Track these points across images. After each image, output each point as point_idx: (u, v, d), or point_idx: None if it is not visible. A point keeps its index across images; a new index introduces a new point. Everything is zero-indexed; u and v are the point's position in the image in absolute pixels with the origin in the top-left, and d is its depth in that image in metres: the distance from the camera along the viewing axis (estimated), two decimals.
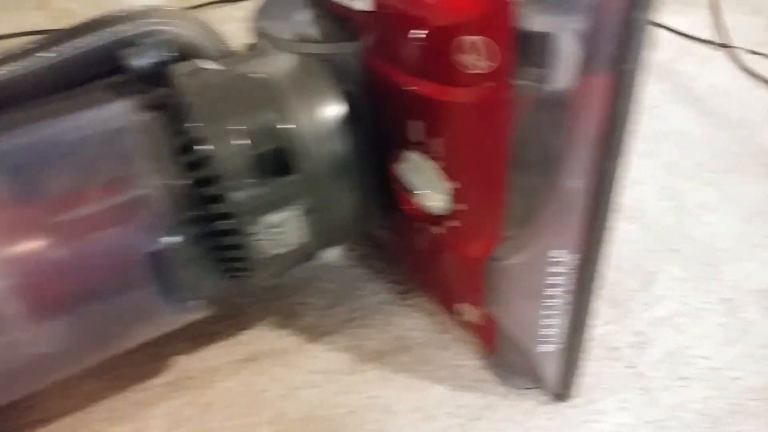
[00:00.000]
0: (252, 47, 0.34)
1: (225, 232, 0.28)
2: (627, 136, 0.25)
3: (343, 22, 0.30)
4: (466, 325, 0.34)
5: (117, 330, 0.28)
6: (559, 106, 0.25)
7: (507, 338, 0.31)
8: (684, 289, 0.40)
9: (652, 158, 0.50)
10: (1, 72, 0.33)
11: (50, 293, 0.26)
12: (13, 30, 0.63)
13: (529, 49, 0.24)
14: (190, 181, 0.27)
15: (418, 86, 0.27)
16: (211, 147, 0.27)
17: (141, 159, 0.27)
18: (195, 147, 0.27)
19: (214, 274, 0.29)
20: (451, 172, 0.28)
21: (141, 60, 0.32)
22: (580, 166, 0.25)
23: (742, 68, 0.61)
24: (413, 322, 0.38)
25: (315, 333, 0.37)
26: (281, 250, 0.30)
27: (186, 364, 0.35)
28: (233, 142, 0.27)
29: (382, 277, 0.41)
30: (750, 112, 0.55)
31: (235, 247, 0.28)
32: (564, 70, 0.25)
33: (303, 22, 0.32)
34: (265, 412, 0.33)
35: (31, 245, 0.26)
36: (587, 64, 0.24)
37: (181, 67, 0.30)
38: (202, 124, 0.27)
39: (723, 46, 0.63)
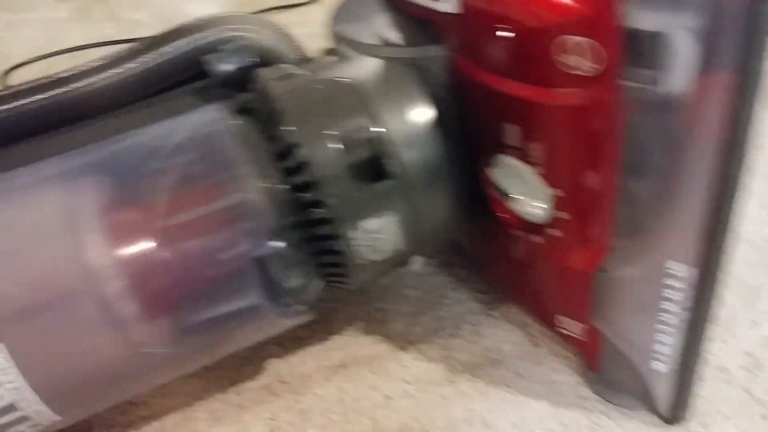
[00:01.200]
0: (330, 51, 0.34)
1: (324, 237, 0.28)
2: (751, 140, 0.23)
3: (424, 25, 0.30)
4: (566, 340, 0.33)
5: (223, 333, 0.29)
6: (673, 108, 0.24)
7: (612, 355, 0.30)
8: None
9: None
10: (92, 81, 0.35)
11: (161, 295, 0.27)
12: (85, 41, 0.67)
13: (639, 50, 0.23)
14: (288, 187, 0.28)
15: (513, 88, 0.26)
16: (308, 152, 0.27)
17: (241, 163, 0.28)
18: (292, 152, 0.28)
19: (313, 280, 0.29)
20: (552, 178, 0.27)
21: (224, 65, 0.33)
22: (699, 173, 0.24)
23: None
24: (503, 334, 0.37)
25: (403, 341, 0.37)
26: (378, 257, 0.30)
27: (278, 368, 0.36)
28: (328, 147, 0.28)
29: (465, 286, 0.40)
30: None
31: (334, 252, 0.29)
32: (678, 70, 0.23)
33: (382, 25, 0.32)
34: (362, 421, 0.33)
35: (143, 247, 0.27)
36: (705, 64, 0.23)
37: (269, 72, 0.30)
38: (296, 129, 0.28)
39: None
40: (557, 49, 0.24)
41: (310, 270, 0.29)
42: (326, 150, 0.27)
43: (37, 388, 0.26)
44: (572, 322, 0.31)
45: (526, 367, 0.35)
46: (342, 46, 0.32)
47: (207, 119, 0.29)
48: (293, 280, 0.28)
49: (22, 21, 0.77)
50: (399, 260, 0.31)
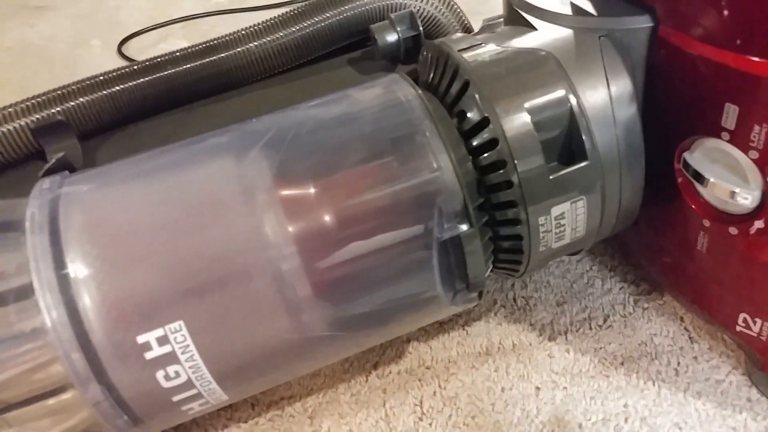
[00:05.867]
0: (509, 20, 0.32)
1: (508, 222, 0.26)
2: None
3: None
4: (742, 338, 0.30)
5: (392, 317, 0.28)
6: None
7: None
8: None
9: None
10: (247, 47, 0.33)
11: (336, 276, 0.26)
12: (194, 11, 0.66)
13: None
14: (474, 166, 0.26)
15: (738, 62, 0.24)
16: (498, 128, 0.25)
17: (432, 139, 0.26)
18: (482, 128, 0.26)
19: (488, 266, 0.28)
20: None
21: (390, 35, 0.31)
22: None
23: None
24: (656, 327, 0.35)
25: (548, 330, 0.35)
26: (558, 244, 0.28)
27: (421, 353, 0.35)
28: (521, 122, 0.25)
29: (613, 276, 0.38)
30: None
31: (515, 237, 0.27)
32: None
33: None
34: (512, 411, 0.32)
35: (321, 226, 0.25)
36: None
37: (452, 42, 0.28)
38: (486, 104, 0.26)
39: None
40: None
41: (487, 256, 0.27)
42: (519, 126, 0.25)
43: (210, 366, 0.25)
44: (757, 320, 0.29)
45: (684, 364, 0.33)
46: (524, 13, 0.29)
47: (390, 91, 0.27)
48: (474, 265, 0.26)
49: None
50: (573, 248, 0.29)
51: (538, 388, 0.33)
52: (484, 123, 0.26)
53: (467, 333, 0.35)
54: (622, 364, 0.34)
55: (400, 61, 0.31)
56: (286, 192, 0.26)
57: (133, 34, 0.63)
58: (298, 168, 0.26)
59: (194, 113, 0.32)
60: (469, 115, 0.26)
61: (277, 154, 0.26)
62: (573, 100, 0.26)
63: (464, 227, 0.25)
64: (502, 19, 0.32)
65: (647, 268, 0.36)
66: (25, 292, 0.23)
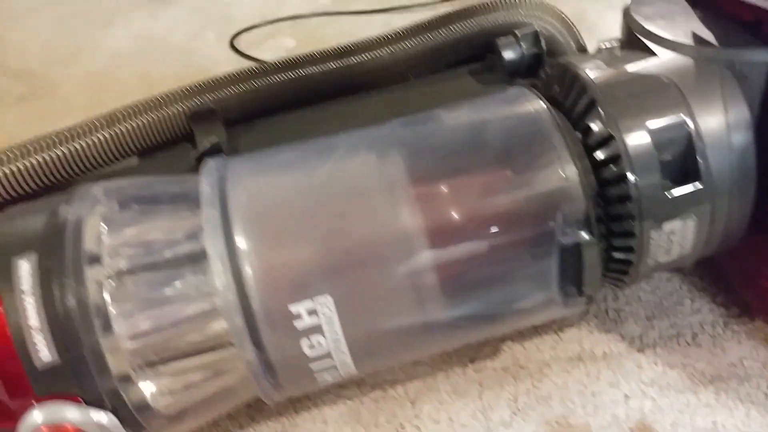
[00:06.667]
0: (626, 44, 0.34)
1: (622, 234, 0.29)
2: None
3: (748, 26, 0.29)
4: None
5: (508, 314, 0.30)
6: None
7: None
8: None
9: None
10: (378, 53, 0.36)
11: (462, 271, 0.28)
12: (300, 9, 0.70)
13: None
14: (595, 179, 0.28)
15: None
16: (621, 145, 0.28)
17: (560, 148, 0.28)
18: (606, 143, 0.28)
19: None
20: None
21: (514, 51, 0.34)
22: None
23: None
24: (746, 350, 0.36)
25: (639, 343, 0.37)
26: (665, 258, 0.30)
27: (516, 353, 0.37)
28: (642, 141, 0.28)
29: (702, 296, 0.39)
30: None
31: (628, 249, 0.29)
32: None
33: (692, 22, 0.32)
34: (602, 416, 0.34)
35: (451, 224, 0.28)
36: None
37: (578, 62, 0.31)
38: (611, 123, 0.28)
39: None
40: None
41: (601, 264, 0.29)
42: (640, 144, 0.28)
43: (349, 340, 0.28)
44: None
45: None
46: (645, 40, 0.31)
47: (520, 103, 0.30)
48: (591, 274, 0.28)
49: None
50: (677, 264, 0.31)
51: (627, 396, 0.35)
52: (608, 139, 0.28)
53: (560, 338, 0.37)
54: (710, 382, 0.35)
55: (520, 75, 0.34)
56: (421, 190, 0.29)
57: (244, 29, 0.67)
58: (433, 169, 0.29)
59: (328, 111, 0.35)
60: (594, 130, 0.28)
61: (414, 155, 0.29)
62: (691, 125, 0.28)
63: (585, 235, 0.27)
64: (617, 43, 0.35)
65: (740, 291, 0.37)
66: (198, 258, 0.27)
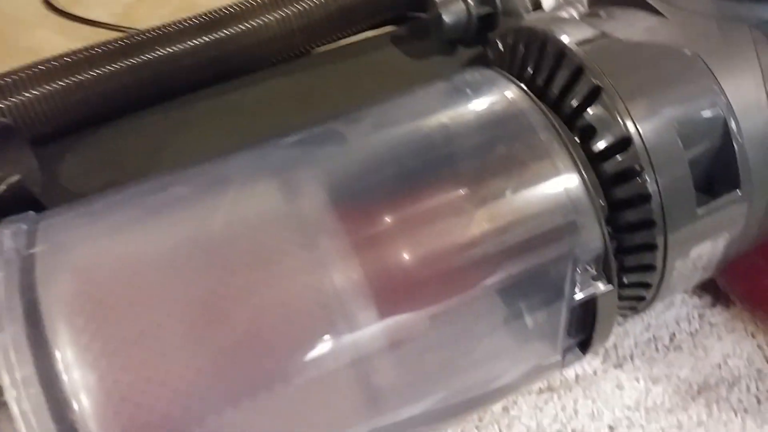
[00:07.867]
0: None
1: (642, 268, 0.21)
2: None
3: None
4: None
5: (485, 395, 0.22)
6: None
7: None
8: None
9: None
10: (266, 19, 0.25)
11: (429, 353, 0.19)
12: None
13: None
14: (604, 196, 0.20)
15: None
16: (642, 154, 0.19)
17: (554, 170, 0.19)
18: (617, 151, 0.19)
19: None
20: None
21: (455, 8, 0.24)
22: None
23: None
24: (728, 347, 0.31)
25: (613, 356, 0.31)
26: (683, 287, 0.23)
27: None
28: (668, 149, 0.19)
29: None
30: None
31: (646, 285, 0.21)
32: None
33: None
34: None
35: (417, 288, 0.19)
36: None
37: (560, 30, 0.21)
38: (626, 122, 0.19)
39: None
40: None
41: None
42: (667, 151, 0.19)
43: None
44: None
45: (764, 389, 0.30)
46: None
47: (494, 93, 0.20)
48: (603, 328, 0.20)
49: None
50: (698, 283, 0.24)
51: (611, 428, 0.29)
52: (623, 145, 0.19)
53: None
54: (699, 392, 0.30)
55: (464, 43, 0.24)
56: (357, 236, 0.19)
57: None
58: (376, 204, 0.19)
59: (194, 109, 0.23)
60: (602, 133, 0.20)
61: (343, 182, 0.19)
62: (729, 120, 0.20)
63: (602, 286, 0.19)
64: None
65: (728, 287, 0.32)
66: None
